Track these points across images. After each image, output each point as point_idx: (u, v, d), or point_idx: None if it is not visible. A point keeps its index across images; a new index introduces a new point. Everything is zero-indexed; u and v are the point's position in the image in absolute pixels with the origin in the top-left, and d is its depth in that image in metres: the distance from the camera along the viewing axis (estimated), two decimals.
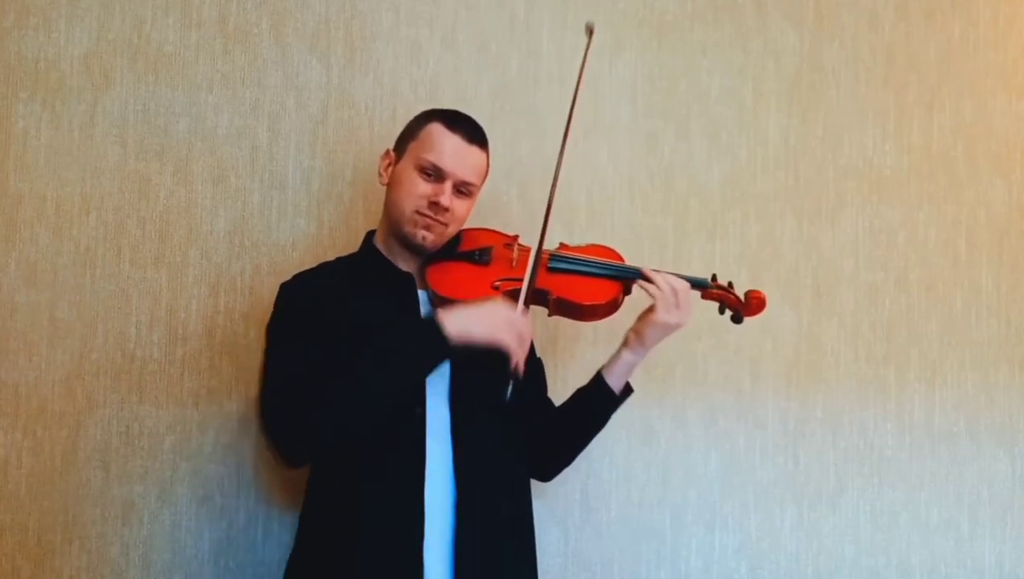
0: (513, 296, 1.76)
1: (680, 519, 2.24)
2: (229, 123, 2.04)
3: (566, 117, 1.78)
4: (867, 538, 2.33)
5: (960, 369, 2.42)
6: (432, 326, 1.63)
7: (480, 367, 1.68)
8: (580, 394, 1.88)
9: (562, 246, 1.90)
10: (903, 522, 2.35)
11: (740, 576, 2.26)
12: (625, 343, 1.84)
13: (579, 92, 1.78)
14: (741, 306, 1.88)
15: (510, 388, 1.72)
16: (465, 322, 1.63)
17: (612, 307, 1.84)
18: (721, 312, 1.90)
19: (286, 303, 1.77)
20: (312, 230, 2.07)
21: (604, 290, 1.82)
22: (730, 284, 1.91)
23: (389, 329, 1.66)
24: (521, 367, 1.67)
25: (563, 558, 2.17)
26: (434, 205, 1.74)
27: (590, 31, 1.83)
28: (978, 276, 2.45)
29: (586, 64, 1.81)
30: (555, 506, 2.16)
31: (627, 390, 1.87)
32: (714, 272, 1.92)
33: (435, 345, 1.62)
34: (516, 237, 1.89)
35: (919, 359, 2.40)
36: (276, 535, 2.00)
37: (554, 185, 1.76)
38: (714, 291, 1.89)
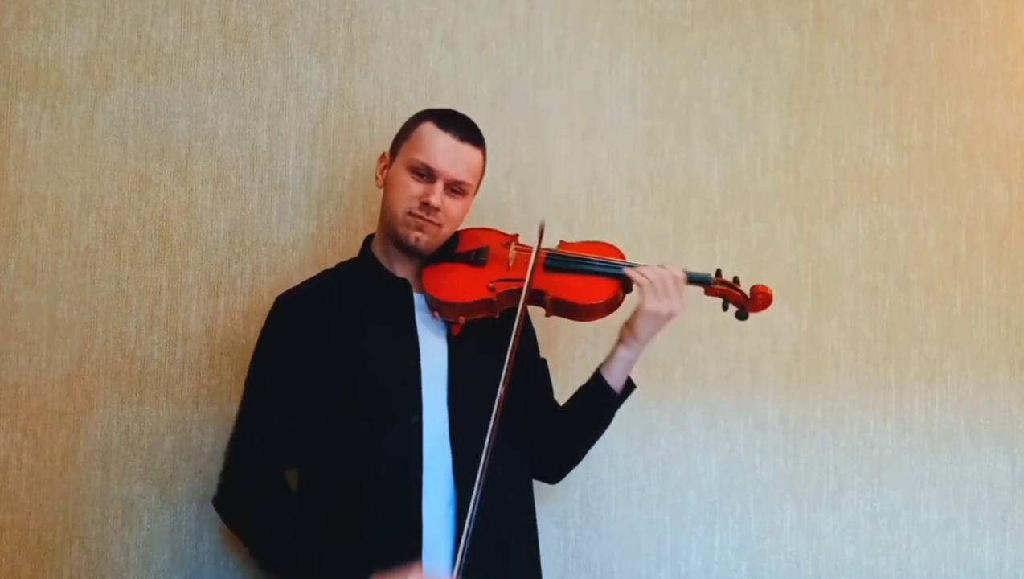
0: (508, 297, 1.75)
1: (680, 519, 2.24)
2: (229, 123, 2.04)
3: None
4: (867, 538, 2.33)
5: (960, 369, 2.41)
6: None
7: (479, 370, 1.67)
8: (580, 393, 1.85)
9: (562, 244, 1.88)
10: (903, 522, 2.35)
11: (740, 576, 2.26)
12: (620, 339, 1.81)
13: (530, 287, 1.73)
14: (746, 301, 1.83)
15: None
16: None
17: (611, 306, 1.80)
18: (724, 308, 1.86)
19: (276, 326, 1.76)
20: (312, 230, 2.07)
21: (602, 289, 1.79)
22: (736, 279, 1.86)
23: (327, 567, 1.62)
24: None
25: (563, 558, 2.17)
26: (425, 205, 1.72)
27: (541, 229, 1.75)
28: (978, 276, 2.45)
29: (538, 254, 1.75)
30: (555, 506, 2.16)
31: (629, 387, 1.84)
32: (718, 267, 1.88)
33: None
34: (515, 236, 1.87)
35: (919, 359, 2.40)
36: None
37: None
38: (717, 287, 1.84)
